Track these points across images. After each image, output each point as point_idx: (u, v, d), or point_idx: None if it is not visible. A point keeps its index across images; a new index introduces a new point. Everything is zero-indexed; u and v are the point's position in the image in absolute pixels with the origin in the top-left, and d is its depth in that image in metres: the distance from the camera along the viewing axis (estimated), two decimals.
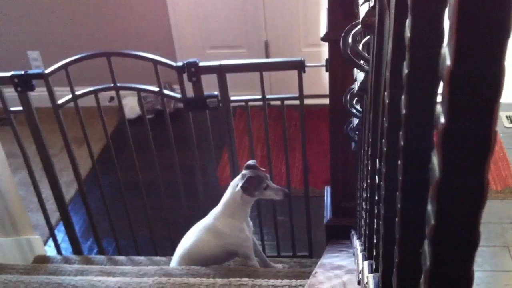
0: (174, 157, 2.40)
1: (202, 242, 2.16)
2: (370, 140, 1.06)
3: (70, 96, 2.28)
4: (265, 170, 2.08)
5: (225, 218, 2.11)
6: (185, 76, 2.18)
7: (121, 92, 2.34)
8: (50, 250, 2.90)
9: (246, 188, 2.02)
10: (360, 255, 1.33)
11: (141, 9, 3.89)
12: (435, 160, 0.44)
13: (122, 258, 2.58)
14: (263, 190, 2.04)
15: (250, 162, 2.08)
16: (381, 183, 0.82)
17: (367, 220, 1.18)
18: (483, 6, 0.36)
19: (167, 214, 2.58)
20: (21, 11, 3.99)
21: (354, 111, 1.42)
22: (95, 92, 2.31)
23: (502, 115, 3.53)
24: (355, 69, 1.36)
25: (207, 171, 2.50)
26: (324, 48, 2.02)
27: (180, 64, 2.17)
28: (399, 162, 0.62)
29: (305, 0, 3.73)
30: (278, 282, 1.90)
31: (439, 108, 0.42)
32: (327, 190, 2.45)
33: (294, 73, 2.15)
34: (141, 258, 2.56)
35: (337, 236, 2.30)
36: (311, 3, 3.70)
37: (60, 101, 2.28)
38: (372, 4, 0.91)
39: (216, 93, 2.23)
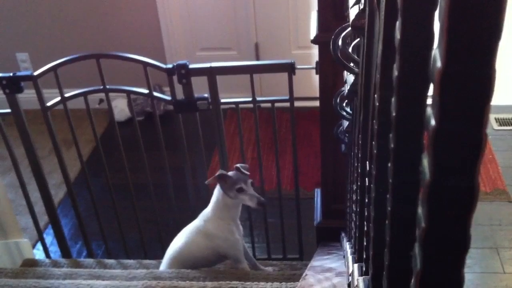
0: (164, 159, 2.39)
1: (192, 244, 2.15)
2: (360, 142, 1.06)
3: (59, 98, 2.27)
4: (249, 174, 2.06)
5: (214, 220, 2.10)
6: (175, 78, 2.17)
7: (111, 94, 2.33)
8: (38, 253, 2.88)
9: (221, 185, 2.03)
10: (350, 257, 1.32)
11: (131, 10, 3.88)
12: (425, 162, 0.44)
13: (111, 261, 2.56)
14: (237, 192, 2.01)
15: (238, 164, 2.07)
16: (371, 185, 0.82)
17: (357, 223, 1.18)
18: (474, 8, 0.36)
19: (157, 217, 2.57)
20: (10, 13, 3.97)
21: (344, 113, 1.42)
22: (84, 94, 2.30)
23: (491, 117, 3.55)
24: (345, 72, 1.36)
25: (197, 173, 2.49)
26: (315, 50, 2.03)
27: (170, 66, 2.16)
28: (389, 164, 0.62)
29: (296, 2, 3.73)
30: (268, 285, 1.90)
31: (429, 110, 0.42)
32: (317, 192, 2.45)
33: (285, 75, 2.15)
34: (131, 261, 2.55)
35: (328, 238, 2.30)
36: (302, 5, 3.71)
37: (49, 103, 2.26)
38: (362, 6, 0.91)
39: (206, 95, 2.22)
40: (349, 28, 1.03)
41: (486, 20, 0.36)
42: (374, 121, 0.76)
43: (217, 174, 2.02)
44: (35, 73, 2.18)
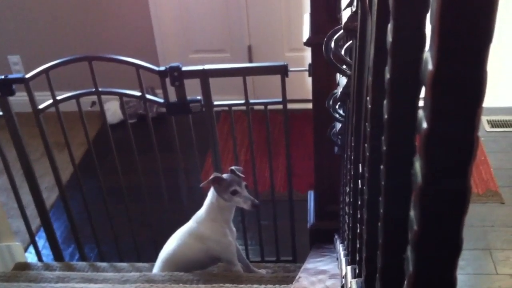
0: (157, 161, 2.38)
1: (185, 246, 2.15)
2: (353, 144, 1.06)
3: (51, 101, 2.26)
4: (244, 177, 2.06)
5: (207, 222, 2.10)
6: (168, 80, 2.17)
7: (103, 97, 2.32)
8: (30, 257, 2.86)
9: (215, 188, 2.03)
10: (343, 259, 1.32)
11: (123, 13, 3.87)
12: (417, 165, 0.44)
13: (104, 264, 2.55)
14: (231, 195, 2.01)
15: (233, 167, 2.07)
16: (364, 187, 0.82)
17: (350, 225, 1.18)
18: (465, 10, 0.36)
19: (150, 219, 2.56)
20: (1, 15, 3.95)
21: (337, 115, 1.42)
22: (76, 97, 2.29)
23: (484, 119, 3.57)
24: (338, 74, 1.36)
25: (191, 175, 2.49)
26: (307, 53, 2.03)
27: (162, 68, 2.16)
28: (382, 166, 0.62)
29: (289, 4, 3.74)
30: (261, 287, 1.90)
31: (421, 112, 0.42)
32: (311, 194, 2.45)
33: (278, 77, 2.15)
34: (124, 264, 2.54)
35: (321, 240, 2.30)
36: (294, 7, 3.71)
37: (41, 106, 2.25)
38: (354, 9, 0.91)
39: (199, 97, 2.22)
40: (342, 31, 1.03)
41: (478, 22, 0.36)
42: (366, 123, 0.76)
43: (211, 177, 2.02)
44: (27, 76, 2.18)
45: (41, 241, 2.87)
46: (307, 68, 2.03)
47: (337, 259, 1.64)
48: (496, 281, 2.48)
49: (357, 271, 1.02)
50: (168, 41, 3.94)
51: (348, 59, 1.08)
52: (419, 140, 0.43)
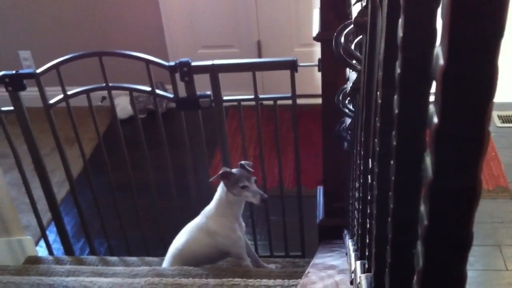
0: (166, 157, 2.39)
1: (194, 241, 2.15)
2: (362, 139, 1.05)
3: (61, 96, 2.27)
4: (253, 171, 2.06)
5: (216, 217, 2.11)
6: (177, 75, 2.18)
7: (113, 92, 2.33)
8: (41, 250, 2.89)
9: (225, 183, 2.03)
10: (352, 255, 1.32)
11: (133, 8, 3.88)
12: (428, 160, 0.44)
13: (114, 258, 2.57)
14: (240, 189, 2.02)
15: (243, 161, 2.08)
16: (374, 183, 0.82)
17: (360, 220, 1.18)
18: (476, 5, 0.36)
19: (159, 215, 2.57)
20: (12, 11, 3.97)
21: (347, 110, 1.42)
22: (86, 92, 2.30)
23: (494, 114, 3.54)
24: (347, 69, 1.36)
25: (199, 171, 2.49)
26: (317, 48, 2.02)
27: (172, 63, 2.16)
28: (392, 162, 0.62)
29: None
30: (270, 282, 1.90)
31: (432, 108, 0.42)
32: (320, 190, 2.45)
33: (287, 73, 2.15)
34: (133, 258, 2.55)
35: (330, 235, 2.30)
36: (304, 2, 3.70)
37: (51, 101, 2.26)
38: (364, 3, 0.91)
39: (208, 92, 2.22)
40: (352, 26, 1.03)
41: (489, 17, 0.36)
42: (376, 118, 0.76)
43: (220, 172, 2.03)
44: (38, 71, 2.19)
45: (52, 235, 2.90)
46: (316, 63, 2.02)
47: (346, 254, 1.64)
48: (506, 278, 2.47)
49: (366, 266, 1.02)
50: (177, 36, 3.95)
51: (358, 54, 1.08)
52: (429, 136, 0.43)
